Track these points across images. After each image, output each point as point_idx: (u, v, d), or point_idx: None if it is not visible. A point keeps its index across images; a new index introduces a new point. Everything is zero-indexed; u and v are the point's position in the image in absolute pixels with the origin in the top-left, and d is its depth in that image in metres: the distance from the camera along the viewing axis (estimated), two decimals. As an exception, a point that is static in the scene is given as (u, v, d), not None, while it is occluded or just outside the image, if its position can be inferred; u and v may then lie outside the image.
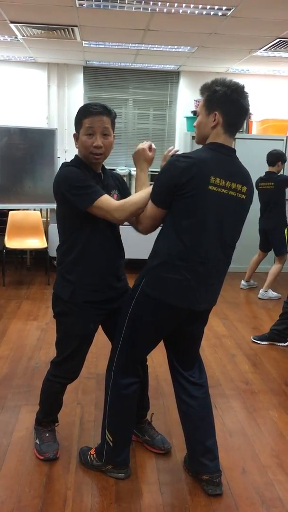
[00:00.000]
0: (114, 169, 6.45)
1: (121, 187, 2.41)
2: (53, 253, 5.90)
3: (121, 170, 6.49)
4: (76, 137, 2.22)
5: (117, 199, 2.27)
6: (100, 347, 3.81)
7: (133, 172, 6.65)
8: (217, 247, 2.07)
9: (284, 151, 6.21)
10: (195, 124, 2.15)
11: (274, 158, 5.32)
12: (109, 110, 2.22)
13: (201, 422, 2.30)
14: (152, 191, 2.07)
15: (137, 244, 5.55)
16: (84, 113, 2.16)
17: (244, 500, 2.24)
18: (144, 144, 2.26)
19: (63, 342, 2.37)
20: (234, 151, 2.12)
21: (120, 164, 6.61)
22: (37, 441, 2.51)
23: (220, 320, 4.65)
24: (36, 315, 4.63)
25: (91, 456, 2.40)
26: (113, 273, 2.33)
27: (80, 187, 2.11)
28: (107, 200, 2.11)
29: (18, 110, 6.45)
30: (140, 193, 2.15)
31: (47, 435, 2.52)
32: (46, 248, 5.69)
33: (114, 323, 2.35)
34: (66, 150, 6.35)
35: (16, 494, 2.21)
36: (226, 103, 2.01)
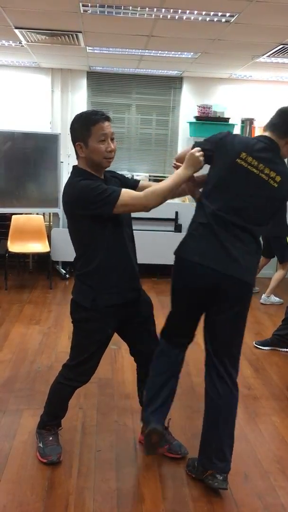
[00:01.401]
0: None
1: (123, 183, 2.44)
2: (55, 257, 5.93)
3: (124, 175, 6.49)
4: (81, 146, 2.22)
5: None
6: (102, 352, 3.82)
7: (136, 177, 6.64)
8: (235, 216, 2.19)
9: (286, 157, 6.24)
10: None
11: None
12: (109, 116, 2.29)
13: (219, 420, 2.31)
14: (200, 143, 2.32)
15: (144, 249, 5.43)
16: (92, 121, 2.19)
17: (246, 506, 2.23)
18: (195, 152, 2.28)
19: (81, 347, 2.39)
20: (277, 147, 2.25)
21: (123, 169, 6.63)
22: (40, 445, 2.51)
23: (222, 325, 4.64)
24: (38, 319, 4.64)
25: None
26: (132, 277, 2.38)
27: (100, 193, 2.14)
28: (129, 194, 2.17)
29: (22, 114, 6.47)
30: (169, 181, 2.22)
31: (51, 438, 2.52)
32: (48, 252, 5.70)
33: (131, 325, 2.44)
34: (69, 155, 6.36)
35: (18, 498, 2.21)
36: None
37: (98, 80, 6.67)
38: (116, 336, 4.38)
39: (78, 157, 2.28)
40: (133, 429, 2.79)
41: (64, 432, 2.67)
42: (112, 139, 2.23)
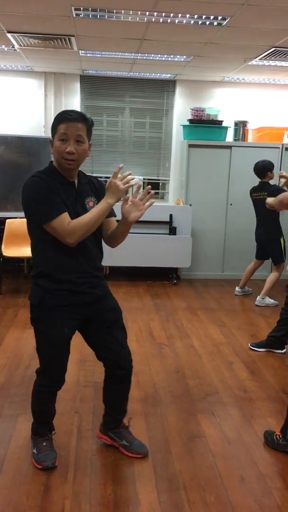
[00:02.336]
0: (110, 177, 6.54)
1: (100, 193, 2.38)
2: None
3: (118, 178, 6.50)
4: (52, 143, 2.23)
5: (93, 206, 2.29)
6: (98, 355, 3.81)
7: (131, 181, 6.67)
8: None
9: (279, 159, 6.26)
10: None
11: (263, 170, 5.30)
12: (86, 117, 2.23)
13: None
14: None
15: (134, 252, 5.50)
16: (59, 120, 2.19)
17: (243, 508, 2.23)
18: (119, 180, 2.22)
19: (41, 348, 2.40)
20: None
21: (117, 172, 6.63)
22: (35, 451, 2.50)
23: (218, 327, 4.65)
24: (33, 323, 4.61)
25: (277, 436, 2.67)
26: (85, 279, 2.33)
27: (40, 202, 2.16)
28: (62, 222, 2.14)
29: (15, 118, 6.47)
30: (90, 214, 2.19)
31: (44, 444, 2.51)
32: (43, 256, 5.67)
33: (94, 330, 2.41)
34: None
35: (13, 503, 2.20)
36: None
37: (91, 84, 6.68)
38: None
39: None
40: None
41: (59, 436, 2.66)
42: (78, 141, 2.18)
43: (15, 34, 4.59)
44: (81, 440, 2.71)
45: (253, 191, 5.41)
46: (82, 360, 3.68)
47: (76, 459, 2.53)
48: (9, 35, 4.62)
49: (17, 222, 5.85)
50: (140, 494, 2.29)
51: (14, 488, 2.30)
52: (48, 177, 2.22)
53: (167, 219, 6.09)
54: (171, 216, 6.09)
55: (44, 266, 2.28)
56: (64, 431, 2.76)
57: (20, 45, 5.03)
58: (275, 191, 5.26)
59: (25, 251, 5.71)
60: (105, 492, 2.29)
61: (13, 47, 5.12)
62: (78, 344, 4.00)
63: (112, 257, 6.10)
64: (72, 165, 2.22)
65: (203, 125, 6.27)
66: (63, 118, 2.18)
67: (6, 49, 5.23)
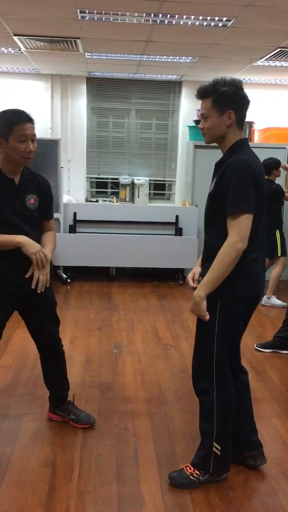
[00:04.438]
0: (116, 178, 6.58)
1: (43, 191, 2.56)
2: (56, 262, 5.95)
3: (124, 179, 6.53)
4: (2, 142, 2.31)
5: (34, 203, 2.48)
6: (103, 356, 3.82)
7: (136, 181, 6.70)
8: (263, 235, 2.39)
9: (286, 159, 6.24)
10: (207, 126, 2.33)
11: (269, 168, 5.30)
12: (32, 117, 2.39)
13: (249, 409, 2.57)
14: (243, 201, 2.13)
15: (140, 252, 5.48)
16: (14, 121, 2.29)
17: (247, 509, 2.23)
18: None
19: None
20: None
21: (123, 173, 6.65)
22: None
23: (224, 328, 4.64)
24: (40, 324, 4.64)
25: (194, 474, 2.37)
26: (19, 272, 2.42)
27: None
28: None
29: (22, 121, 6.51)
30: (9, 237, 2.36)
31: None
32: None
33: (28, 319, 2.68)
34: (69, 160, 6.39)
35: (18, 502, 2.22)
36: (239, 101, 2.27)
37: (97, 86, 6.71)
38: (117, 340, 4.38)
39: None
40: (134, 433, 2.80)
41: (64, 436, 2.68)
42: (32, 140, 2.34)
43: (21, 37, 4.63)
44: (86, 439, 2.73)
45: None
46: (87, 361, 3.70)
47: (81, 459, 2.55)
48: (15, 38, 4.66)
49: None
50: (144, 494, 2.30)
51: (19, 487, 2.32)
52: None
53: (173, 220, 6.09)
54: (177, 217, 6.09)
55: None
56: (69, 431, 2.78)
57: (27, 48, 5.07)
58: (273, 192, 5.25)
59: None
60: (109, 492, 2.30)
61: (19, 50, 5.16)
62: (83, 345, 4.02)
63: (118, 258, 6.17)
64: (29, 162, 2.40)
65: (209, 126, 6.27)
66: (20, 120, 2.29)
67: (13, 52, 5.27)
